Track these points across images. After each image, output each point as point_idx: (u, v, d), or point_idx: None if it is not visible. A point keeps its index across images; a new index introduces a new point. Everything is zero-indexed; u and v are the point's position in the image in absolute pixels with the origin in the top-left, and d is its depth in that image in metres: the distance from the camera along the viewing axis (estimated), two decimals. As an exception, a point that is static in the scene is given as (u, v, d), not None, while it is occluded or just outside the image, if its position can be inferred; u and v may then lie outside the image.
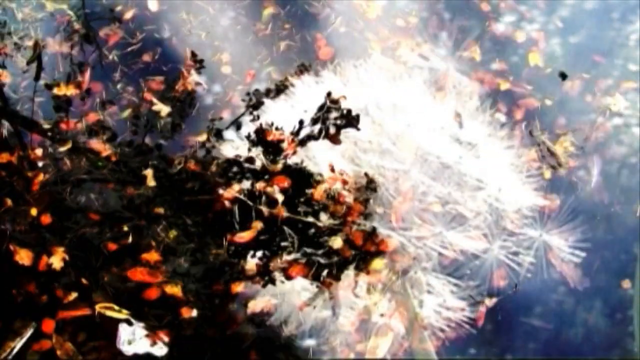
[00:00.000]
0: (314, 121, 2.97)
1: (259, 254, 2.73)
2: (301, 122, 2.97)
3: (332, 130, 2.96)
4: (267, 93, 3.11)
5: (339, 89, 3.08)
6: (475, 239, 2.81)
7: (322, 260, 2.72)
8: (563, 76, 3.15)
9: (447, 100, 3.09)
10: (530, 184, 2.93)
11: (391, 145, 2.96)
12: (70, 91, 3.08)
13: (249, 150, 2.92)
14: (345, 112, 2.99)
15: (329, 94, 3.01)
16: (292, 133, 2.95)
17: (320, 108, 2.99)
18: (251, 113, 3.04)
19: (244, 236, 2.74)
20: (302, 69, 3.17)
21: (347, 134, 2.96)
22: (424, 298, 2.73)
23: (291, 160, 2.91)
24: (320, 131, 2.96)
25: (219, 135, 2.99)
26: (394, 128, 3.01)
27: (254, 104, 3.08)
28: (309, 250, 2.74)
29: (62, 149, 2.93)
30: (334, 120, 2.98)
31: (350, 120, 2.98)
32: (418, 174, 2.91)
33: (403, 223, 2.82)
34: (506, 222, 2.84)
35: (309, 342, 2.63)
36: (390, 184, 2.89)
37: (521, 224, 2.83)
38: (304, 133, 2.96)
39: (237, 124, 3.03)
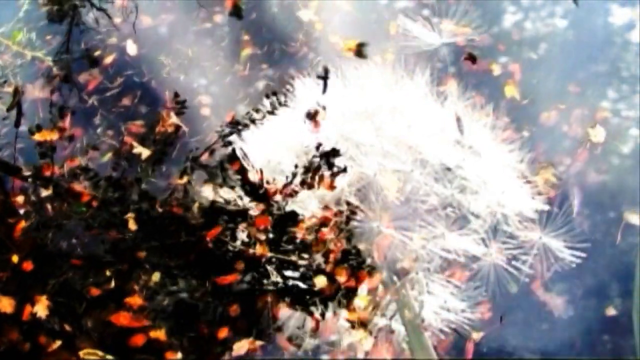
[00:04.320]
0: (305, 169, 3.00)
1: (243, 295, 2.72)
2: (294, 173, 3.00)
3: (324, 176, 2.98)
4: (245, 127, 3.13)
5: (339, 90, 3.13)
6: (475, 242, 2.84)
7: (306, 299, 2.72)
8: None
9: (447, 104, 3.14)
10: (531, 187, 2.97)
11: (392, 148, 2.99)
12: (51, 136, 3.09)
13: (231, 190, 2.93)
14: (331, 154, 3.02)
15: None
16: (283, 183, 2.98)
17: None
18: (232, 155, 3.06)
19: (227, 278, 2.73)
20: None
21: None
22: (425, 299, 2.73)
23: (273, 200, 2.91)
24: (310, 179, 2.98)
25: (199, 177, 3.00)
26: (395, 131, 3.04)
27: (232, 142, 3.10)
28: (293, 289, 2.74)
29: (44, 194, 2.92)
30: (324, 164, 3.01)
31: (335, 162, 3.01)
32: (420, 176, 2.93)
33: (405, 223, 2.84)
34: (507, 225, 2.87)
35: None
36: (392, 185, 2.92)
37: (522, 227, 2.86)
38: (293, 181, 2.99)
39: (219, 165, 3.04)
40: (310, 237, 2.83)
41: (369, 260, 2.80)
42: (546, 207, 2.91)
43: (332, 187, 2.94)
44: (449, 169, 2.99)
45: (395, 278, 2.79)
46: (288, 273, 2.76)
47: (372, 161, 2.99)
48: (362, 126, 3.09)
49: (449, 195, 2.94)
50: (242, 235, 2.83)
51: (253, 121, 3.14)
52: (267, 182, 2.95)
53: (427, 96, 3.18)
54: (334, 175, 2.97)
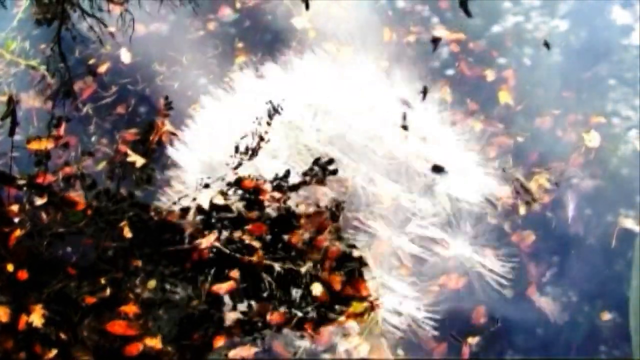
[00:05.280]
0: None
1: (239, 302, 2.72)
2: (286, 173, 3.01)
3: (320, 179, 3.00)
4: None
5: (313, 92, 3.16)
6: (435, 235, 2.85)
7: (302, 307, 2.72)
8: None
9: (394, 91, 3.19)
10: (487, 172, 2.99)
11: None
12: (46, 145, 3.09)
13: (225, 198, 2.93)
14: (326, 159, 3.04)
15: None
16: (273, 182, 2.98)
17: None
18: (226, 160, 3.06)
19: (222, 286, 2.73)
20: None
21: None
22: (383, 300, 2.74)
23: (268, 207, 2.92)
24: (304, 182, 2.99)
25: (194, 184, 3.00)
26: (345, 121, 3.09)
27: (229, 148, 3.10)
28: (288, 297, 2.74)
29: (38, 202, 2.92)
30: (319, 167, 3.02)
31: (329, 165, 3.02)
32: (368, 171, 2.95)
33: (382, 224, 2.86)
34: (466, 215, 2.88)
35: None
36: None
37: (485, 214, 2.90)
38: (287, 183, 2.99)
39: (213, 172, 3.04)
40: (305, 245, 2.83)
41: (365, 267, 2.81)
42: (504, 193, 2.93)
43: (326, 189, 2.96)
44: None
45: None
46: (284, 280, 2.76)
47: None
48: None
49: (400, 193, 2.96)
50: (237, 242, 2.83)
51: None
52: (261, 183, 2.96)
53: (375, 83, 3.20)
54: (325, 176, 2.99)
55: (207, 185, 2.97)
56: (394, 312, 2.72)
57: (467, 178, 2.99)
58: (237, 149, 3.06)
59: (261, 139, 3.07)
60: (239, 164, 3.01)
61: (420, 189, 2.97)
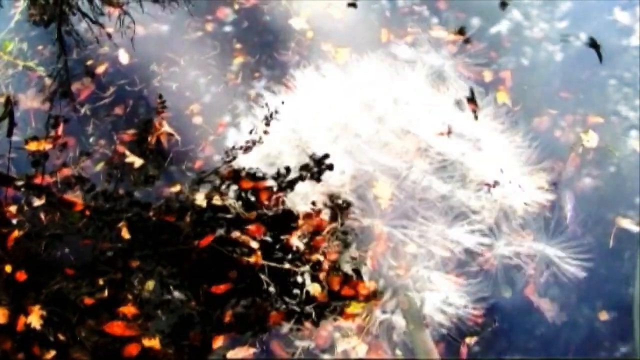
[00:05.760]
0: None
1: (237, 303, 2.72)
2: (286, 169, 3.01)
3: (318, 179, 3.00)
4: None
5: (340, 83, 3.16)
6: (479, 237, 2.85)
7: (301, 307, 2.72)
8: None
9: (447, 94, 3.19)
10: (535, 179, 3.00)
11: (393, 140, 3.00)
12: (44, 146, 3.09)
13: (224, 199, 2.93)
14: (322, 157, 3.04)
15: None
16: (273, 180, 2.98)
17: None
18: (224, 161, 3.06)
19: (221, 287, 2.73)
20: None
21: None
22: (426, 295, 2.73)
23: (266, 208, 2.92)
24: (299, 178, 2.99)
25: (192, 185, 3.00)
26: (396, 123, 3.05)
27: (226, 149, 3.10)
28: (287, 297, 2.74)
29: (36, 203, 2.92)
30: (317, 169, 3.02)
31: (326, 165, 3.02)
32: (419, 170, 2.94)
33: (405, 220, 2.85)
34: (511, 219, 2.89)
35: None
36: (393, 180, 2.93)
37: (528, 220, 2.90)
38: (284, 181, 2.99)
39: (211, 173, 3.04)
40: (304, 245, 2.83)
41: (363, 268, 2.81)
42: (550, 198, 2.94)
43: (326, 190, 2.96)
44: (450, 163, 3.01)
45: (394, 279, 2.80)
46: (282, 281, 2.77)
47: (370, 154, 3.01)
48: (362, 116, 3.10)
49: (449, 191, 2.95)
50: (235, 243, 2.83)
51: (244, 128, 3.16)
52: (260, 188, 2.96)
53: (427, 88, 3.20)
54: (321, 172, 2.99)
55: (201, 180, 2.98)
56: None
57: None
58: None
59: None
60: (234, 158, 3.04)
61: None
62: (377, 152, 3.00)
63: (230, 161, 3.06)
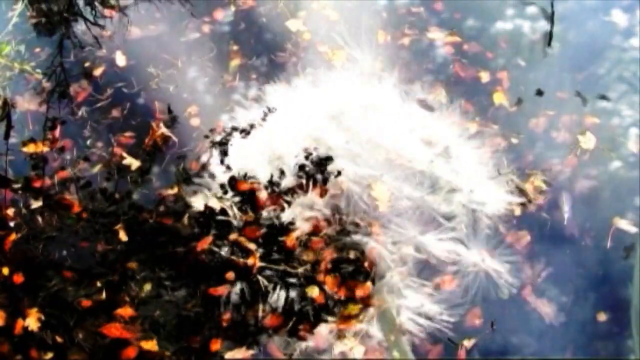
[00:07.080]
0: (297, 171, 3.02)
1: (235, 305, 2.72)
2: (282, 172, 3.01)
3: (316, 181, 3.00)
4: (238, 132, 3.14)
5: (310, 94, 3.16)
6: (450, 243, 2.85)
7: (298, 309, 2.72)
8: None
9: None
10: (503, 184, 2.99)
11: (361, 150, 3.01)
12: (41, 148, 3.09)
13: (221, 201, 2.93)
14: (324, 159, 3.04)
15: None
16: (269, 185, 2.98)
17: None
18: (222, 162, 3.06)
19: (218, 289, 2.73)
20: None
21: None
22: (401, 303, 2.73)
23: (263, 209, 2.92)
24: (300, 185, 2.99)
25: (189, 187, 3.00)
26: (364, 133, 3.07)
27: (224, 151, 3.10)
28: (284, 299, 2.74)
29: (34, 206, 2.92)
30: (315, 169, 3.02)
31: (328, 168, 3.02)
32: (390, 179, 2.94)
33: (378, 229, 2.85)
34: (482, 225, 2.88)
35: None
36: (364, 190, 2.93)
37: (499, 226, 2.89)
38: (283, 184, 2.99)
39: (208, 175, 3.04)
40: (300, 247, 2.83)
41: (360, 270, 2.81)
42: (520, 200, 2.94)
43: (323, 192, 2.96)
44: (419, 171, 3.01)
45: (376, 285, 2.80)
46: (279, 283, 2.77)
47: (341, 164, 3.01)
48: (331, 127, 3.11)
49: (419, 198, 2.95)
50: (232, 245, 2.83)
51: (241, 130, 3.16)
52: (257, 190, 2.96)
53: (395, 96, 3.20)
54: (326, 181, 2.99)
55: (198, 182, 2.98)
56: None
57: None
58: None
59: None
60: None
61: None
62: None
63: (227, 163, 3.06)
